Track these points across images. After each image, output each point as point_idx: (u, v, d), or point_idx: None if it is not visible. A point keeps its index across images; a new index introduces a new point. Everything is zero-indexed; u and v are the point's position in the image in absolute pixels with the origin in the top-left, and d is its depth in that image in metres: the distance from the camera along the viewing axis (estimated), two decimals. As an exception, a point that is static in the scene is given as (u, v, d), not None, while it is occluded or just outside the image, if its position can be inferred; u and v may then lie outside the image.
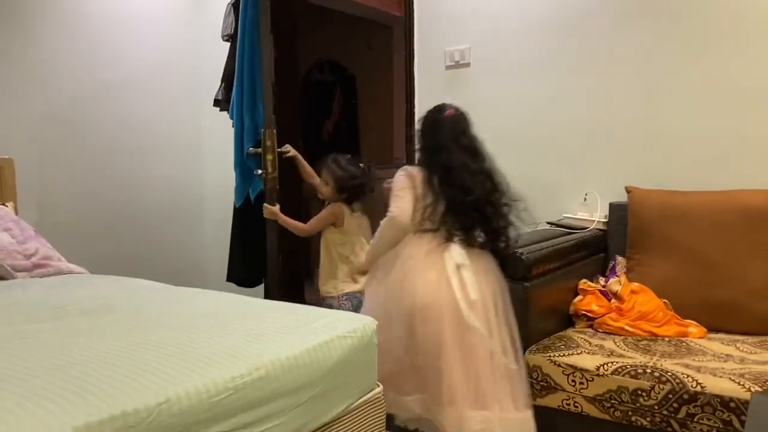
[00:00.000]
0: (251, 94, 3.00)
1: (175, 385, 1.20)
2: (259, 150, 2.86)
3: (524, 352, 2.00)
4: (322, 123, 6.08)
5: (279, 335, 1.54)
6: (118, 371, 1.24)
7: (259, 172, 2.88)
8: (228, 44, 3.36)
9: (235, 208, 3.34)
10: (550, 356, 1.96)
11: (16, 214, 2.89)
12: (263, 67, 2.82)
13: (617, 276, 2.39)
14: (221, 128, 3.89)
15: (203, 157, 4.12)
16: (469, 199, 2.02)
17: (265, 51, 2.81)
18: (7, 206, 2.85)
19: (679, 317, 2.19)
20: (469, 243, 2.05)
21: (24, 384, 1.17)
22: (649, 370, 1.79)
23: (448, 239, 2.03)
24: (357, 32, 5.59)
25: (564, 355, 1.95)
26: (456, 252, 2.01)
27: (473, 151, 2.11)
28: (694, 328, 2.14)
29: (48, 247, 2.70)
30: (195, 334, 1.52)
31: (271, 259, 2.94)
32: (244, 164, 3.07)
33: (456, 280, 1.95)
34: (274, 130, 2.81)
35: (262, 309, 1.82)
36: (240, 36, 3.03)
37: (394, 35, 5.27)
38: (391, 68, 5.33)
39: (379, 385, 1.72)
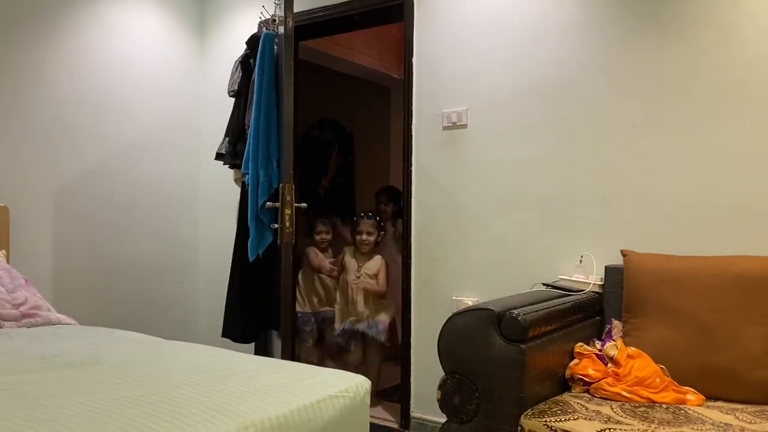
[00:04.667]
0: (266, 150, 3.07)
1: (162, 443, 1.17)
2: (277, 204, 2.87)
3: (519, 416, 1.96)
4: (319, 179, 6.13)
5: (269, 393, 1.50)
6: (105, 427, 1.21)
7: (275, 226, 2.88)
8: (233, 99, 3.42)
9: (234, 262, 3.32)
10: (546, 421, 1.92)
11: (8, 262, 2.86)
12: (285, 123, 2.86)
13: (613, 340, 2.36)
14: (217, 182, 3.92)
15: (199, 211, 4.12)
16: None
17: (288, 109, 2.85)
18: (-1, 254, 2.83)
19: (676, 383, 2.15)
20: None
21: (5, 438, 1.13)
22: (647, 438, 1.74)
23: None
24: (357, 92, 5.70)
25: (560, 420, 1.91)
26: None
27: None
28: (692, 395, 2.10)
29: (38, 296, 2.67)
30: (183, 389, 1.49)
31: (285, 310, 2.89)
32: (259, 219, 3.10)
33: None
34: (293, 186, 2.83)
35: (252, 365, 1.79)
36: (257, 94, 3.12)
37: (392, 96, 5.38)
38: (389, 127, 5.42)
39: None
